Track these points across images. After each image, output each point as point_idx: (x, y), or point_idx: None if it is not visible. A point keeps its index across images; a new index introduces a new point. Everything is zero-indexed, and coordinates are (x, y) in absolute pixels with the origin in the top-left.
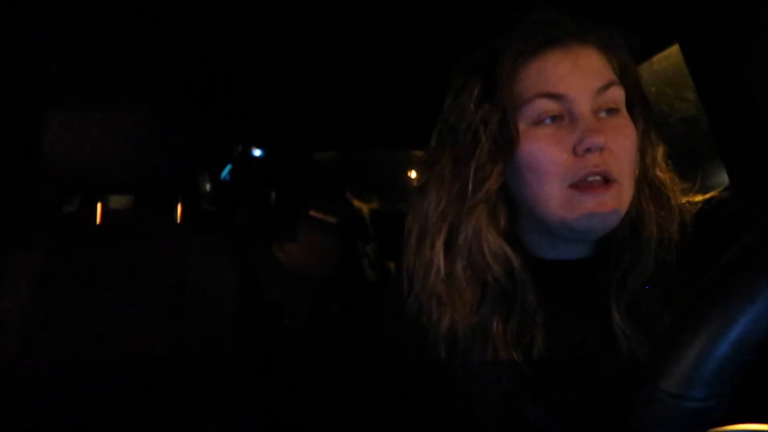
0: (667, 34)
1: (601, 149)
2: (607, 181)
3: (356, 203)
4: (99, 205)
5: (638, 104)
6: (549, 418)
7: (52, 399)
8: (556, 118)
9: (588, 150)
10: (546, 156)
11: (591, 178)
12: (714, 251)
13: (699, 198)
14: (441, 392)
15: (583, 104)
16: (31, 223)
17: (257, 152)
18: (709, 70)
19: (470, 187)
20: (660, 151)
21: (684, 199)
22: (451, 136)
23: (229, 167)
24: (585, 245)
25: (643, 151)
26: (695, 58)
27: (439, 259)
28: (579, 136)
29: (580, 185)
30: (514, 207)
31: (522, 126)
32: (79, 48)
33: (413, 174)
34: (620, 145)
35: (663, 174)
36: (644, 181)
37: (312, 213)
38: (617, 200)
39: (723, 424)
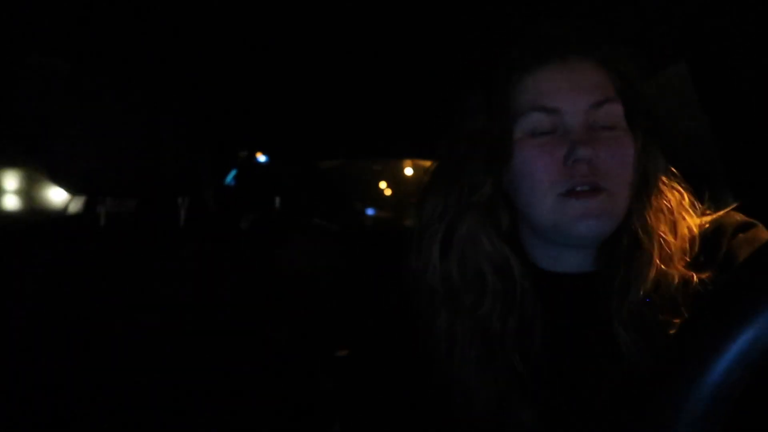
0: (674, 50)
1: (590, 161)
2: (597, 190)
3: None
4: (102, 209)
5: (639, 118)
6: (543, 423)
7: (52, 402)
8: (549, 131)
9: (576, 161)
10: (537, 165)
11: (581, 188)
12: (718, 272)
13: (707, 218)
14: (441, 390)
15: (575, 118)
16: (35, 227)
17: (262, 158)
18: (715, 87)
19: (465, 191)
20: (662, 165)
21: (693, 218)
22: (454, 142)
23: (233, 172)
24: (587, 256)
25: (643, 165)
26: (702, 74)
27: (436, 259)
28: (569, 147)
29: (569, 193)
30: (515, 214)
31: (517, 136)
32: (84, 50)
33: (383, 185)
34: (612, 157)
35: (666, 188)
36: (645, 193)
37: (315, 220)
38: (606, 207)
39: None
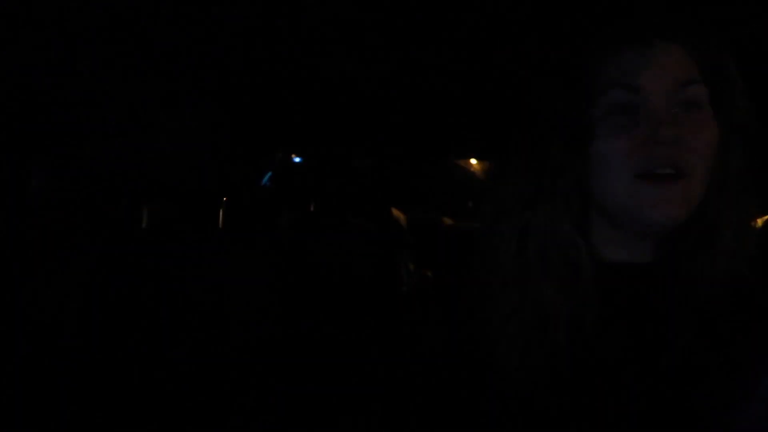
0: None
1: (673, 142)
2: (677, 175)
3: (394, 211)
4: (145, 210)
5: (725, 104)
6: (575, 417)
7: (100, 396)
8: (630, 110)
9: (658, 143)
10: (616, 146)
11: (660, 170)
12: None
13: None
14: (475, 375)
15: (658, 97)
16: (82, 228)
17: (297, 159)
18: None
19: (547, 176)
20: (741, 156)
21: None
22: (530, 128)
23: (269, 174)
24: (655, 246)
25: (723, 153)
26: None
27: (512, 243)
28: (651, 128)
29: (648, 177)
30: (585, 202)
31: (596, 115)
32: (125, 57)
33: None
34: (695, 140)
35: (744, 180)
36: (723, 183)
37: (351, 219)
38: (684, 195)
39: None
